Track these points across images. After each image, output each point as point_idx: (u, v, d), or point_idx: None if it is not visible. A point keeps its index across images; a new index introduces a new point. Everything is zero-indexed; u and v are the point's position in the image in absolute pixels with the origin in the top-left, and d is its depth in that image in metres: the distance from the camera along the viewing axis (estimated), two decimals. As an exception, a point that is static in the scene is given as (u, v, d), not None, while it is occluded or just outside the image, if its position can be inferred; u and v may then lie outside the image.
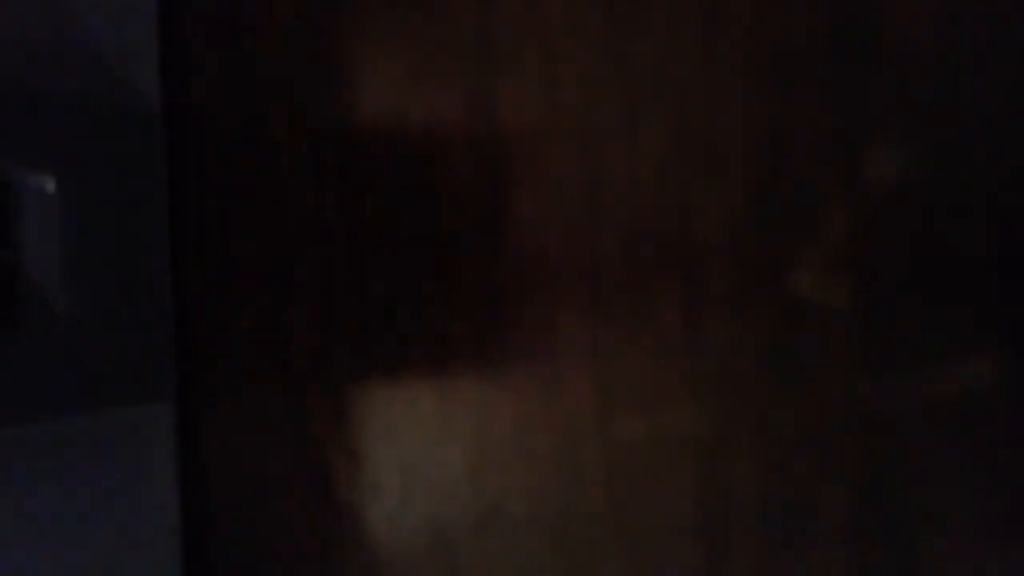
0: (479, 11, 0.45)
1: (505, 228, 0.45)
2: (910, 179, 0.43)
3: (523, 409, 0.45)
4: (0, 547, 0.37)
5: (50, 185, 0.39)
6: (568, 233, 0.45)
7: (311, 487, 0.46)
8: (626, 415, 0.45)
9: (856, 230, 0.43)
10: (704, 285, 0.44)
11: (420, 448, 0.46)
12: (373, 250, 0.46)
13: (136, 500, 0.43)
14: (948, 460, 0.43)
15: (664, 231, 0.44)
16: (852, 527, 0.43)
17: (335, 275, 0.46)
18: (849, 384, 0.43)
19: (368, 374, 0.46)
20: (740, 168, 0.44)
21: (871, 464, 0.43)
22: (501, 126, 0.45)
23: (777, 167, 0.43)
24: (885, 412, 0.43)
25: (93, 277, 0.41)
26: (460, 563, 0.46)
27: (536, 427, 0.45)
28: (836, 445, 0.43)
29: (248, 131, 0.47)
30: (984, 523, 0.43)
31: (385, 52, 0.46)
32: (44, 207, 0.39)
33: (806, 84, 0.43)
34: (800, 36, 0.43)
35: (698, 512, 0.44)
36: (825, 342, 0.43)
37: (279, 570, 0.47)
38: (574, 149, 0.45)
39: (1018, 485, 0.42)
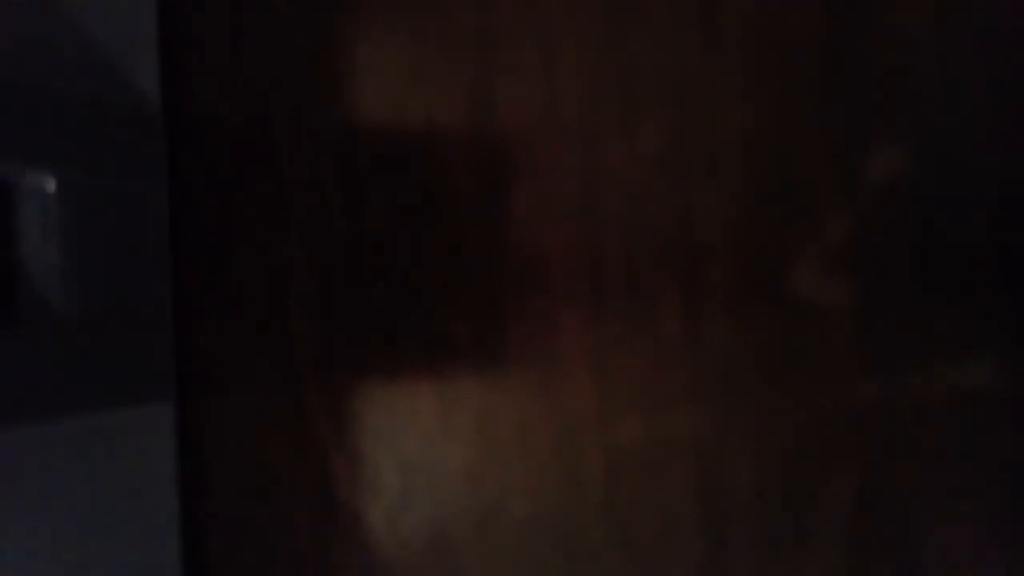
0: (479, 11, 0.45)
1: (505, 228, 0.45)
2: (910, 179, 0.43)
3: (523, 409, 0.45)
4: None
5: (50, 185, 0.39)
6: (568, 233, 0.45)
7: (311, 487, 0.46)
8: (626, 415, 0.45)
9: (856, 230, 0.43)
10: (704, 285, 0.44)
11: (420, 448, 0.46)
12: (373, 249, 0.46)
13: (136, 500, 0.43)
14: (949, 460, 0.43)
15: (664, 231, 0.44)
16: (852, 527, 0.43)
17: (335, 275, 0.46)
18: (849, 384, 0.43)
19: (368, 374, 0.46)
20: (740, 168, 0.44)
21: (871, 464, 0.43)
22: (501, 126, 0.45)
23: (777, 167, 0.43)
24: (885, 412, 0.43)
25: (93, 277, 0.41)
26: (460, 563, 0.46)
27: (536, 427, 0.45)
28: (836, 445, 0.43)
29: (248, 131, 0.47)
30: (985, 524, 0.43)
31: (385, 52, 0.46)
32: (44, 207, 0.39)
33: (806, 84, 0.43)
34: (800, 36, 0.43)
35: (698, 512, 0.44)
36: (825, 342, 0.43)
37: (279, 570, 0.47)
38: (574, 149, 0.45)
39: (1019, 485, 0.42)
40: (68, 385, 0.39)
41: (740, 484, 0.44)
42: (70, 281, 0.40)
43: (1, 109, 0.37)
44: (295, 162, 0.46)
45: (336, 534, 0.46)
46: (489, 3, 0.45)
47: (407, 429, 0.46)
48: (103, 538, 0.42)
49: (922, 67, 0.43)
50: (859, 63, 0.43)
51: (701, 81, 0.44)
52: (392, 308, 0.46)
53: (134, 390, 0.44)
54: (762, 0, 0.43)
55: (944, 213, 0.42)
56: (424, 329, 0.46)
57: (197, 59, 0.47)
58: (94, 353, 0.41)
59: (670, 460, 0.44)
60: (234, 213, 0.47)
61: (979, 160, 0.42)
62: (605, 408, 0.45)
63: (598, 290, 0.44)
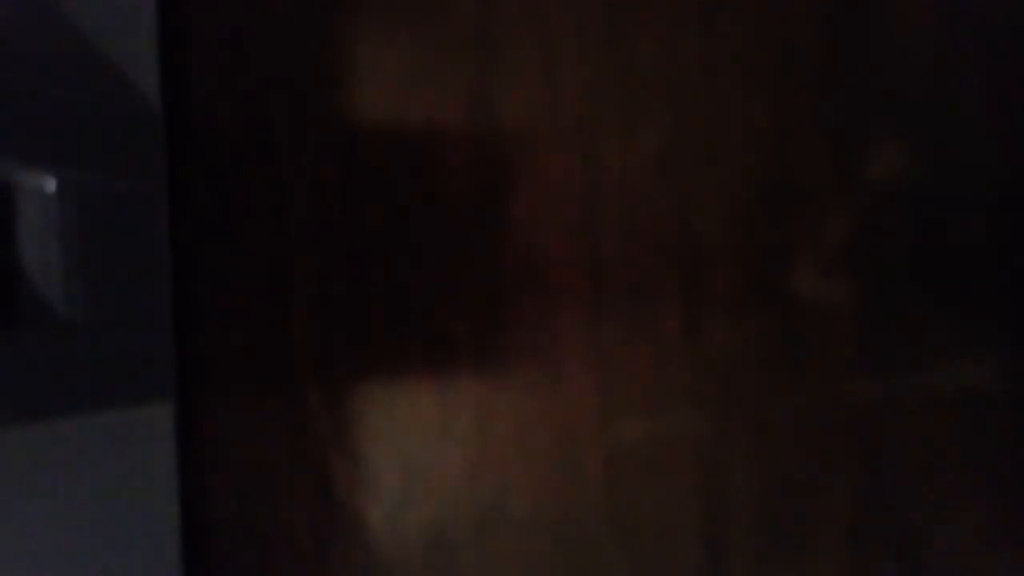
0: (479, 11, 0.45)
1: (505, 228, 0.45)
2: (910, 179, 0.43)
3: (523, 409, 0.45)
4: (0, 547, 0.37)
5: (50, 185, 0.39)
6: (568, 233, 0.45)
7: (311, 487, 0.46)
8: (626, 415, 0.45)
9: (856, 230, 0.43)
10: (704, 285, 0.44)
11: (420, 448, 0.46)
12: (373, 249, 0.46)
13: (136, 500, 0.43)
14: (948, 460, 0.43)
15: (664, 231, 0.44)
16: (852, 527, 0.43)
17: (335, 274, 0.46)
18: (849, 384, 0.43)
19: (368, 374, 0.46)
20: (740, 168, 0.44)
21: (871, 464, 0.43)
22: (501, 126, 0.45)
23: (777, 167, 0.43)
24: (885, 412, 0.43)
25: (93, 277, 0.41)
26: (460, 563, 0.46)
27: (536, 427, 0.45)
28: (836, 445, 0.43)
29: (248, 131, 0.47)
30: (985, 524, 0.43)
31: (385, 52, 0.46)
32: (44, 207, 0.39)
33: (806, 84, 0.43)
34: (800, 36, 0.43)
35: (698, 512, 0.44)
36: (825, 342, 0.43)
37: (279, 570, 0.47)
38: (574, 149, 0.45)
39: (1019, 485, 0.42)
40: (68, 385, 0.40)
41: (740, 484, 0.44)
42: (70, 281, 0.40)
43: (1, 109, 0.37)
44: (295, 162, 0.46)
45: (336, 534, 0.46)
46: (489, 3, 0.45)
47: (407, 429, 0.46)
48: (103, 538, 0.42)
49: (922, 67, 0.43)
50: (859, 63, 0.43)
51: (701, 81, 0.44)
52: (392, 308, 0.46)
53: (134, 390, 0.44)
54: (762, 1, 0.43)
55: (944, 213, 0.42)
56: (424, 329, 0.46)
57: (197, 59, 0.47)
58: (94, 353, 0.41)
59: (670, 460, 0.44)
60: (234, 213, 0.47)
61: (979, 160, 0.42)
62: (605, 408, 0.45)
63: (598, 290, 0.44)
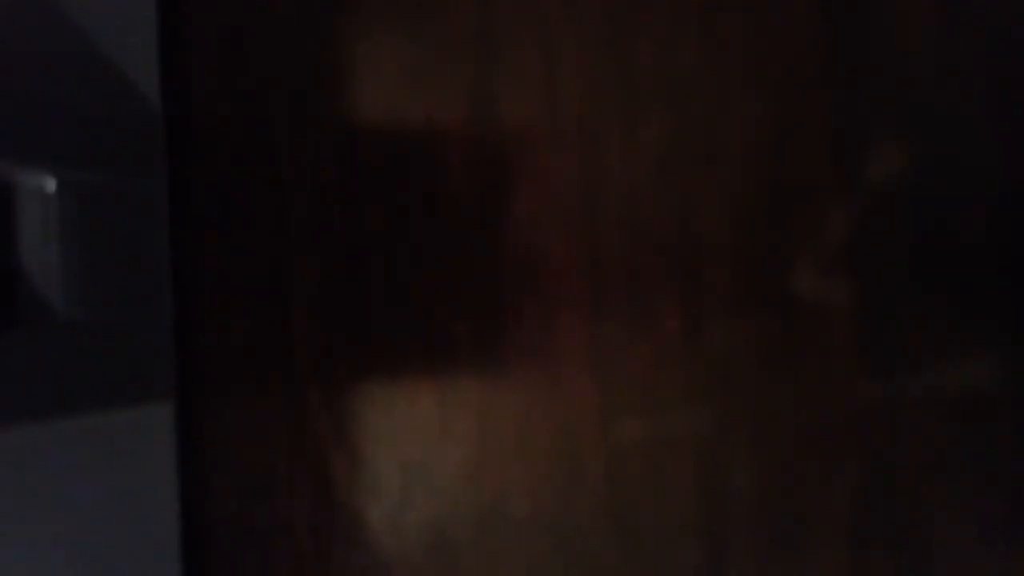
0: (479, 11, 0.45)
1: (505, 228, 0.45)
2: (910, 179, 0.43)
3: (523, 409, 0.45)
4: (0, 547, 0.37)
5: (50, 185, 0.39)
6: (568, 233, 0.45)
7: (311, 487, 0.46)
8: (626, 414, 0.45)
9: (856, 230, 0.43)
10: (704, 285, 0.44)
11: (420, 448, 0.46)
12: (373, 249, 0.46)
13: (136, 500, 0.43)
14: (948, 460, 0.43)
15: (664, 231, 0.44)
16: (852, 527, 0.43)
17: (335, 275, 0.46)
18: (849, 384, 0.43)
19: (368, 374, 0.46)
20: (740, 168, 0.44)
21: (871, 464, 0.43)
22: (501, 126, 0.45)
23: (777, 167, 0.43)
24: (885, 412, 0.43)
25: (93, 277, 0.41)
26: (460, 563, 0.46)
27: (536, 427, 0.45)
28: (836, 445, 0.43)
29: (248, 131, 0.47)
30: (985, 524, 0.43)
31: (385, 52, 0.46)
32: (44, 207, 0.39)
33: (806, 84, 0.43)
34: (800, 36, 0.43)
35: (698, 512, 0.44)
36: (825, 342, 0.43)
37: (279, 570, 0.47)
38: (574, 149, 0.45)
39: (1019, 485, 0.42)
40: (68, 385, 0.40)
41: (740, 484, 0.44)
42: (70, 281, 0.40)
43: (2, 109, 0.37)
44: (295, 162, 0.46)
45: (336, 534, 0.46)
46: (489, 3, 0.45)
47: (407, 429, 0.46)
48: (103, 538, 0.42)
49: (922, 67, 0.43)
50: (859, 63, 0.43)
51: (701, 81, 0.44)
52: (392, 308, 0.46)
53: (134, 390, 0.44)
54: (762, 1, 0.43)
55: (944, 213, 0.42)
56: (424, 329, 0.46)
57: (197, 59, 0.47)
58: (94, 353, 0.41)
59: (670, 460, 0.44)
60: (234, 213, 0.47)
61: (979, 160, 0.42)
62: (605, 408, 0.45)
63: (598, 290, 0.44)
